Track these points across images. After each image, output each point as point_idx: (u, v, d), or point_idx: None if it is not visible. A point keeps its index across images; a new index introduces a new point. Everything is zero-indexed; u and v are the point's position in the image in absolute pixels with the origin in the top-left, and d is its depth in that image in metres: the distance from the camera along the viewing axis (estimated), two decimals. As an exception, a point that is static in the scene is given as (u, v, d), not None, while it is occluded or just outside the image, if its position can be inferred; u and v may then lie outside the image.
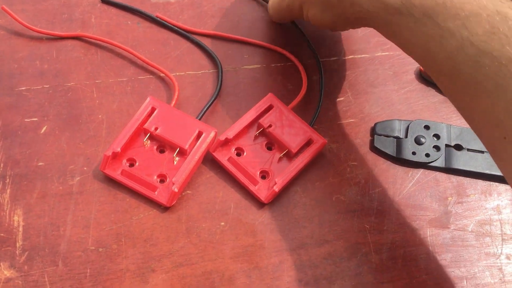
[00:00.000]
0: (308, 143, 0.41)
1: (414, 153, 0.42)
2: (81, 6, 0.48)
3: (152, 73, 0.45)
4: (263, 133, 0.41)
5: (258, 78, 0.46)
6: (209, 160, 0.41)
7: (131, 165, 0.40)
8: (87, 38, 0.46)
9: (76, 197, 0.39)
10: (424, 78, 0.46)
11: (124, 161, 0.40)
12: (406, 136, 0.43)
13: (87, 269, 0.36)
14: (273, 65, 0.46)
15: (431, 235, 0.39)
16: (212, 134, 0.40)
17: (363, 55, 0.48)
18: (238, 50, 0.47)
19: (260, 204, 0.40)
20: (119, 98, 0.43)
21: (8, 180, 0.39)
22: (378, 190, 0.41)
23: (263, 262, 0.38)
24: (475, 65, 0.29)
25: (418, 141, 0.42)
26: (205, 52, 0.46)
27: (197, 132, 0.40)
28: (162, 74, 0.45)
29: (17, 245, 0.37)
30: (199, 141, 0.40)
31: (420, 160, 0.42)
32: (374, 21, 0.35)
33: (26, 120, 0.42)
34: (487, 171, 0.42)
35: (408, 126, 0.43)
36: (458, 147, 0.43)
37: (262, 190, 0.39)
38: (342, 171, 0.42)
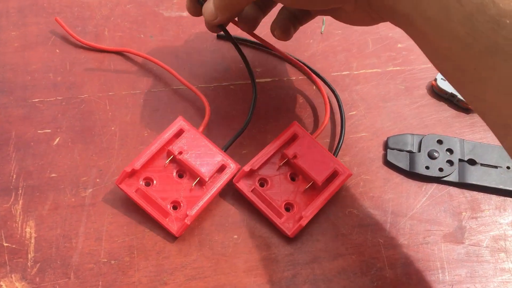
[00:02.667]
0: (334, 174, 0.40)
1: (427, 167, 0.42)
2: (94, 19, 0.48)
3: (165, 85, 0.45)
4: (287, 163, 0.41)
5: (273, 95, 0.46)
6: (230, 189, 0.40)
7: (147, 184, 0.39)
8: (130, 54, 0.46)
9: (89, 209, 0.39)
10: (436, 93, 0.46)
11: (141, 179, 0.39)
12: (419, 151, 0.43)
13: (99, 281, 0.36)
14: (288, 78, 0.47)
15: (446, 250, 0.39)
16: (235, 169, 0.39)
17: (374, 70, 0.48)
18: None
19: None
20: (132, 110, 0.43)
21: (20, 191, 0.39)
22: (391, 204, 0.41)
23: (277, 276, 0.37)
24: (496, 26, 0.27)
25: (431, 156, 0.42)
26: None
27: (220, 165, 0.39)
28: (174, 87, 0.45)
29: (29, 256, 0.37)
30: (221, 175, 0.39)
31: (434, 175, 0.42)
32: None
33: (39, 131, 0.42)
34: (501, 186, 0.42)
35: (421, 141, 0.43)
36: (472, 162, 0.42)
37: (288, 224, 0.38)
38: (355, 185, 0.42)
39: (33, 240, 0.37)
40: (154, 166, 0.39)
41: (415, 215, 0.41)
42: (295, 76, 0.47)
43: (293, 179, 0.40)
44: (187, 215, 0.37)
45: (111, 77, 0.45)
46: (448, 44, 0.30)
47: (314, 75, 0.45)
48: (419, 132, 0.44)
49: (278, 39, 0.42)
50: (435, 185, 0.42)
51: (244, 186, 0.39)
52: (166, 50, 0.47)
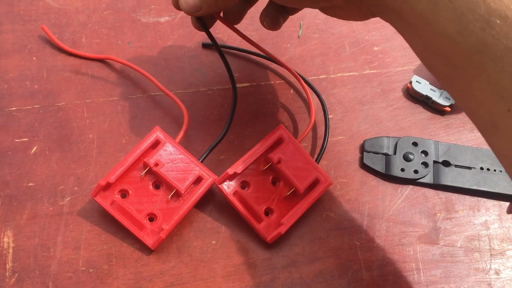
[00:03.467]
0: (315, 182, 0.40)
1: (402, 169, 0.43)
2: (71, 26, 0.48)
3: (143, 92, 0.45)
4: (271, 167, 0.40)
5: (253, 96, 0.46)
6: (209, 195, 0.41)
7: (124, 195, 0.39)
8: (112, 61, 0.46)
9: (67, 218, 0.39)
10: (411, 95, 0.47)
11: (117, 191, 0.38)
12: (394, 153, 0.43)
13: (77, 290, 0.36)
14: (267, 83, 0.47)
15: (421, 251, 0.40)
16: (211, 181, 0.39)
17: (351, 73, 0.48)
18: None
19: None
20: (110, 117, 0.44)
21: (-3, 201, 0.39)
22: (368, 206, 0.42)
23: (255, 280, 0.38)
24: (485, 25, 0.27)
25: (406, 158, 0.43)
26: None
27: (197, 176, 0.39)
28: (152, 93, 0.45)
29: (7, 266, 0.37)
30: (197, 186, 0.39)
31: (409, 177, 0.42)
32: None
33: (16, 140, 0.42)
34: (475, 187, 0.42)
35: (396, 143, 0.44)
36: (446, 163, 0.43)
37: (267, 229, 0.38)
38: (332, 188, 0.42)
39: (11, 250, 0.37)
40: (130, 177, 0.39)
41: (391, 217, 0.41)
42: (273, 81, 0.47)
43: (274, 183, 0.41)
44: (162, 229, 0.37)
45: (89, 84, 0.45)
46: (437, 40, 0.29)
47: (300, 79, 0.45)
48: (395, 134, 0.45)
49: (268, 29, 0.42)
50: (410, 186, 0.43)
51: (227, 188, 0.39)
52: (144, 57, 0.47)
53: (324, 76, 0.48)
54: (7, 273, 0.36)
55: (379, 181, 0.43)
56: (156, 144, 0.40)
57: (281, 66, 0.45)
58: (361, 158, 0.44)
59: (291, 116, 0.46)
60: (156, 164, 0.38)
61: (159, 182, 0.39)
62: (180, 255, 0.38)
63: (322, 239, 0.40)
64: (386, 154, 0.43)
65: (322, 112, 0.45)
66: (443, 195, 0.43)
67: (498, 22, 0.26)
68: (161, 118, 0.44)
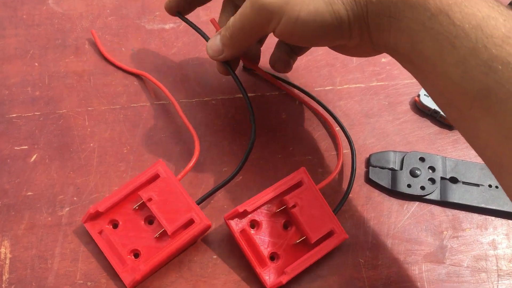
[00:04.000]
0: (329, 233, 0.38)
1: (409, 185, 0.42)
2: (75, 31, 0.47)
3: (145, 100, 0.44)
4: (284, 210, 0.38)
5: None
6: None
7: (115, 225, 0.37)
8: (148, 79, 0.45)
9: (65, 229, 0.38)
10: (419, 108, 0.46)
11: (108, 220, 0.37)
12: (401, 168, 0.43)
13: (74, 304, 0.35)
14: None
15: (426, 271, 0.39)
16: (203, 227, 0.36)
17: (358, 85, 0.47)
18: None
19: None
20: (112, 126, 0.43)
21: (-5, 210, 0.38)
22: (373, 223, 0.41)
23: (256, 297, 0.37)
24: (488, 70, 0.27)
25: (413, 174, 0.42)
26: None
27: (188, 219, 0.36)
28: (155, 102, 0.44)
29: (3, 278, 0.36)
30: (187, 230, 0.36)
31: (416, 193, 0.41)
32: (388, 16, 0.31)
33: (16, 148, 0.41)
34: (483, 205, 0.41)
35: (403, 158, 0.43)
36: (454, 180, 0.42)
37: (269, 275, 0.36)
38: (337, 203, 0.41)
39: (8, 261, 0.36)
40: (122, 208, 0.37)
41: (397, 234, 0.40)
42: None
43: (285, 227, 0.38)
44: (140, 270, 0.35)
45: (91, 91, 0.44)
46: (443, 84, 0.30)
47: (334, 123, 0.44)
48: (401, 148, 0.44)
49: (279, 72, 0.43)
50: (416, 203, 0.42)
51: (234, 225, 0.37)
52: (148, 64, 0.46)
53: (330, 87, 0.47)
54: (3, 285, 0.35)
55: (384, 196, 0.42)
56: (155, 177, 0.38)
57: (316, 105, 0.45)
58: (367, 173, 0.43)
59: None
60: (150, 199, 0.37)
61: (152, 217, 0.37)
62: (180, 270, 0.37)
63: (326, 255, 0.39)
64: (392, 169, 0.43)
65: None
66: (450, 212, 0.42)
67: (500, 68, 0.27)
68: (164, 128, 0.43)
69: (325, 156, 0.43)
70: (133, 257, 0.36)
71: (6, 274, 0.36)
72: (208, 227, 0.37)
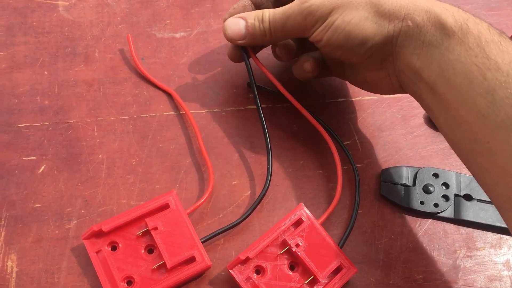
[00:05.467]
0: (337, 269, 0.37)
1: (422, 202, 0.41)
2: (85, 40, 0.47)
3: (155, 111, 0.44)
4: (288, 251, 0.37)
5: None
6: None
7: (114, 248, 0.36)
8: (170, 95, 0.45)
9: (72, 242, 0.38)
10: (433, 123, 0.45)
11: (109, 241, 0.36)
12: (414, 184, 0.42)
13: (81, 320, 0.35)
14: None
15: (439, 291, 0.38)
16: (204, 266, 0.36)
17: (370, 97, 0.47)
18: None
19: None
20: (121, 137, 0.42)
21: (3, 222, 0.38)
22: (384, 240, 0.40)
23: (264, 316, 0.36)
24: None
25: (426, 190, 0.41)
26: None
27: (190, 256, 0.36)
28: (165, 113, 0.44)
29: (10, 292, 0.35)
30: (187, 266, 0.35)
31: (429, 210, 0.40)
32: (423, 40, 0.33)
33: (24, 158, 0.41)
34: (498, 224, 0.40)
35: (416, 174, 0.42)
36: (468, 197, 0.41)
37: None
38: (347, 219, 0.40)
39: (14, 275, 0.36)
40: (126, 231, 0.36)
41: (409, 253, 0.39)
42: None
43: (292, 267, 0.37)
44: None
45: (100, 101, 0.44)
46: (466, 113, 0.31)
47: (333, 146, 0.41)
48: (414, 163, 0.43)
49: (309, 71, 0.41)
50: (430, 220, 0.41)
51: (238, 274, 0.36)
52: (158, 73, 0.46)
53: (343, 99, 0.46)
54: (9, 299, 0.35)
55: (396, 213, 0.41)
56: (164, 207, 0.37)
57: (318, 127, 0.42)
58: (379, 188, 0.42)
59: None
60: (155, 228, 0.36)
61: (153, 246, 0.37)
62: (187, 286, 0.37)
63: (336, 273, 0.38)
64: (405, 185, 0.42)
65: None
66: (464, 230, 0.41)
67: None
68: (173, 139, 0.43)
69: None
70: (125, 284, 0.35)
71: None
72: (208, 267, 0.36)
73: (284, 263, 0.37)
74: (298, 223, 0.38)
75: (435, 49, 0.32)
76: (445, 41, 0.32)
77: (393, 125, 0.45)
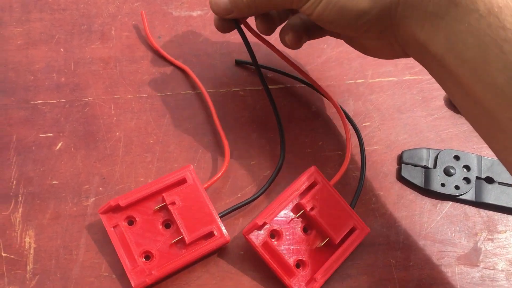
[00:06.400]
0: (351, 230, 0.37)
1: (443, 184, 0.40)
2: (101, 17, 0.46)
3: (172, 89, 0.43)
4: (303, 214, 0.37)
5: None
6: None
7: (130, 222, 0.36)
8: (185, 71, 0.44)
9: (90, 219, 0.37)
10: (453, 105, 0.45)
11: (125, 216, 0.36)
12: (434, 166, 0.41)
13: (99, 297, 0.35)
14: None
15: (460, 273, 0.38)
16: (222, 241, 0.35)
17: (390, 78, 0.46)
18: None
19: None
20: (138, 115, 0.42)
21: (20, 198, 0.38)
22: (404, 222, 0.39)
23: (283, 295, 0.36)
24: None
25: (447, 172, 0.41)
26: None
27: (208, 231, 0.35)
28: (182, 91, 0.43)
29: (28, 268, 0.35)
30: (206, 241, 0.35)
31: (449, 193, 0.40)
32: (426, 10, 0.29)
33: (41, 135, 0.40)
34: (519, 207, 0.40)
35: (437, 156, 0.41)
36: (489, 180, 0.41)
37: (299, 285, 0.35)
38: (367, 200, 0.40)
39: (32, 251, 0.36)
40: (143, 207, 0.36)
41: (429, 235, 0.39)
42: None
43: (305, 230, 0.37)
44: (151, 273, 0.34)
45: (117, 79, 0.43)
46: (483, 90, 0.28)
47: (342, 112, 0.41)
48: (435, 146, 0.43)
49: (289, 45, 0.39)
50: (450, 203, 0.40)
51: (255, 239, 0.35)
52: (174, 52, 0.45)
53: (362, 80, 0.46)
54: (27, 275, 0.35)
55: (417, 195, 0.41)
56: (181, 182, 0.37)
57: (322, 94, 0.43)
58: (399, 170, 0.41)
59: (328, 123, 0.43)
60: (173, 203, 0.36)
61: (170, 221, 0.36)
62: (206, 265, 0.36)
63: (355, 254, 0.38)
64: (425, 167, 0.41)
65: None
66: (485, 213, 0.40)
67: None
68: (191, 118, 0.42)
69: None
70: (144, 259, 0.35)
71: (30, 264, 0.35)
72: (227, 242, 0.36)
73: (299, 225, 0.37)
74: (311, 186, 0.38)
75: (440, 20, 0.29)
76: (452, 10, 0.28)
77: (413, 107, 0.45)
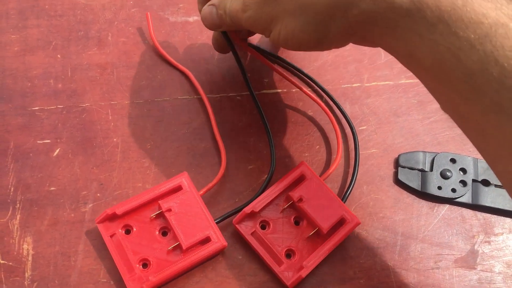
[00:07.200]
0: (341, 222, 0.37)
1: (439, 187, 0.40)
2: (97, 23, 0.46)
3: (169, 95, 0.43)
4: (292, 206, 0.38)
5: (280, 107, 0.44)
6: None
7: (127, 231, 0.36)
8: (188, 76, 0.44)
9: (89, 225, 0.37)
10: (449, 108, 0.45)
11: (123, 225, 0.36)
12: (431, 169, 0.41)
13: (98, 303, 0.35)
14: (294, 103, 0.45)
15: (457, 276, 0.38)
16: (219, 246, 0.35)
17: (386, 82, 0.46)
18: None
19: (279, 238, 0.38)
20: (135, 120, 0.42)
21: (18, 205, 0.38)
22: (402, 225, 0.40)
23: (282, 300, 0.36)
24: (500, 87, 0.24)
25: (444, 175, 0.41)
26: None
27: (205, 237, 0.36)
28: (179, 97, 0.43)
29: (26, 275, 0.35)
30: (202, 247, 0.35)
31: (446, 196, 0.40)
32: (376, 26, 0.28)
33: (38, 141, 0.40)
34: (516, 209, 0.40)
35: (433, 159, 0.42)
36: (486, 183, 0.41)
37: (288, 273, 0.36)
38: (365, 204, 0.40)
39: (30, 258, 0.36)
40: (139, 215, 0.37)
41: (426, 238, 0.39)
42: (305, 87, 0.45)
43: (297, 223, 0.38)
44: (150, 281, 0.34)
45: (114, 85, 0.43)
46: (450, 95, 0.27)
47: (331, 115, 0.43)
48: (431, 149, 0.43)
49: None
50: (447, 206, 0.41)
51: (244, 228, 0.37)
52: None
53: (358, 84, 0.46)
54: (26, 282, 0.35)
55: (414, 198, 0.41)
56: (177, 189, 0.37)
57: (310, 97, 0.43)
58: (395, 174, 0.42)
59: (321, 128, 0.44)
60: (169, 210, 0.36)
61: (167, 229, 0.36)
62: (204, 270, 0.37)
63: (353, 258, 0.38)
64: (422, 170, 0.41)
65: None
66: (481, 216, 0.40)
67: None
68: (187, 123, 0.42)
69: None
70: (141, 266, 0.35)
71: (28, 271, 0.35)
72: (224, 247, 0.36)
73: (289, 217, 0.38)
74: (301, 179, 0.39)
75: (394, 32, 0.28)
76: (402, 22, 0.27)
77: (409, 111, 0.45)
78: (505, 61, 0.24)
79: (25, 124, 0.41)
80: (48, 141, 0.40)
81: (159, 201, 0.36)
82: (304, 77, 0.45)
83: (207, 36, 0.47)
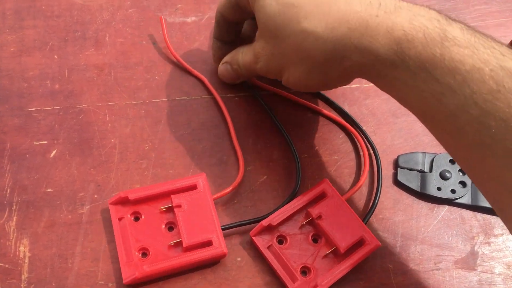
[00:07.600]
0: (360, 242, 0.36)
1: (439, 188, 0.40)
2: (94, 24, 0.46)
3: (167, 96, 0.43)
4: (311, 222, 0.37)
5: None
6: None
7: (136, 218, 0.36)
8: (202, 81, 0.44)
9: (86, 227, 0.37)
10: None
11: (132, 211, 0.36)
12: (430, 170, 0.41)
13: (95, 305, 0.34)
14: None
15: (457, 277, 0.38)
16: (220, 252, 0.35)
17: (385, 83, 0.46)
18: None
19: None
20: (133, 121, 0.42)
21: (15, 207, 0.37)
22: (401, 226, 0.39)
23: (281, 302, 0.36)
24: (480, 127, 0.27)
25: (443, 176, 0.41)
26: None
27: (207, 240, 0.35)
28: (177, 98, 0.43)
29: (23, 277, 0.35)
30: (203, 249, 0.35)
31: (446, 197, 0.40)
32: (368, 74, 0.32)
33: (35, 143, 0.40)
34: (515, 210, 0.40)
35: (432, 160, 0.41)
36: (485, 184, 0.41)
37: None
38: (364, 205, 0.40)
39: (27, 260, 0.35)
40: (150, 204, 0.37)
41: (426, 239, 0.39)
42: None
43: (315, 240, 0.37)
44: (143, 270, 0.34)
45: (111, 86, 0.43)
46: (439, 132, 0.31)
47: (358, 135, 0.43)
48: (430, 150, 0.43)
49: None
50: (447, 207, 0.40)
51: (261, 241, 0.36)
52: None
53: (357, 85, 0.46)
54: (22, 285, 0.35)
55: (413, 199, 0.41)
56: (192, 188, 0.37)
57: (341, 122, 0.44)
58: (395, 175, 0.41)
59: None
60: (179, 206, 0.36)
61: (174, 225, 0.37)
62: (203, 272, 0.36)
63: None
64: (421, 171, 0.41)
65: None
66: (481, 217, 0.40)
67: (494, 124, 0.26)
68: (186, 124, 0.42)
69: (350, 156, 0.42)
70: (140, 255, 0.35)
71: (25, 273, 0.35)
72: (224, 254, 0.36)
73: (307, 234, 0.37)
74: (322, 196, 0.38)
75: (383, 80, 0.32)
76: (388, 72, 0.30)
77: (408, 112, 0.44)
78: (483, 103, 0.26)
79: (22, 125, 0.40)
80: (45, 142, 0.40)
81: (172, 196, 0.37)
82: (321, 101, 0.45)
83: (204, 37, 0.47)
